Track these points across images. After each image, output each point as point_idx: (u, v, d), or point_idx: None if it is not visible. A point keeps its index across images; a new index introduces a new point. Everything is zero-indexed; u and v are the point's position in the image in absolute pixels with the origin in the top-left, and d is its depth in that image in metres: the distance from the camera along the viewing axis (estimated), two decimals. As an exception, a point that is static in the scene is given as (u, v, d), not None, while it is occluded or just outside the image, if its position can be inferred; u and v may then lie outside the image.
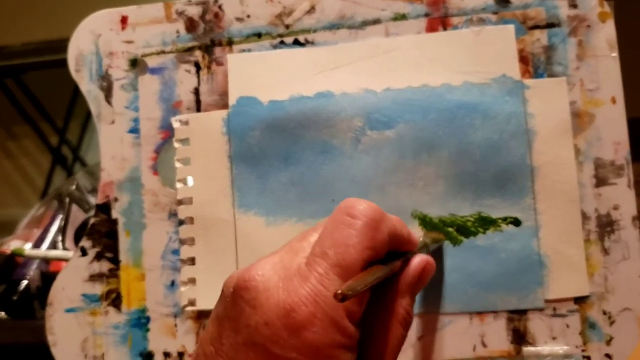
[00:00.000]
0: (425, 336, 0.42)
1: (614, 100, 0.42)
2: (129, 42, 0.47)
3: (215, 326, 0.28)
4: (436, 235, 0.41)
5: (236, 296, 0.28)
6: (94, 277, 0.47)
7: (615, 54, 0.42)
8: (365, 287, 0.26)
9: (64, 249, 0.69)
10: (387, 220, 0.30)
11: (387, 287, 0.31)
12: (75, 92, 1.62)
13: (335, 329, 0.27)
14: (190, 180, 0.45)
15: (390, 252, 0.31)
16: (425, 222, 0.42)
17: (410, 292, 0.31)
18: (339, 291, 0.24)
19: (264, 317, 0.26)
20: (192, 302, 0.45)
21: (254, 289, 0.27)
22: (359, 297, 0.28)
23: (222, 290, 0.29)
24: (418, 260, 0.32)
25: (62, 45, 0.49)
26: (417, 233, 0.41)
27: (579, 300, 0.41)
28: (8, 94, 1.64)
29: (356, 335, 0.28)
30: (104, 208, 0.47)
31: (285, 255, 0.29)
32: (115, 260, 0.46)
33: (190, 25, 0.47)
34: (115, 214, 0.47)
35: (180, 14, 0.47)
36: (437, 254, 0.42)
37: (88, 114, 1.68)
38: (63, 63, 0.48)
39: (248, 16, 0.46)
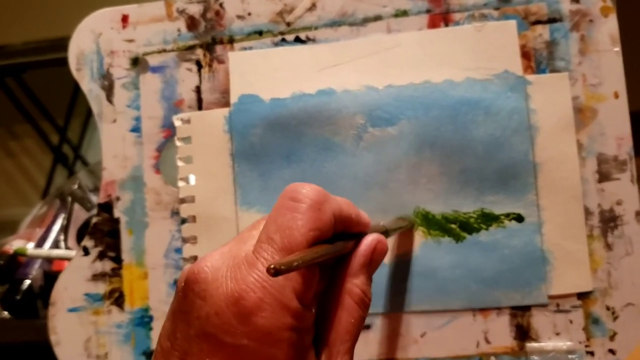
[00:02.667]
0: (428, 333, 0.42)
1: (616, 95, 0.41)
2: (130, 40, 0.47)
3: (169, 322, 0.29)
4: (401, 222, 0.41)
5: (187, 289, 0.28)
6: (97, 277, 0.47)
7: (617, 49, 0.42)
8: (302, 262, 0.26)
9: (67, 248, 0.69)
10: (331, 201, 0.30)
11: (340, 268, 0.31)
12: (76, 91, 1.61)
13: (285, 312, 0.27)
14: (192, 179, 0.45)
15: (340, 233, 0.31)
16: (428, 219, 0.42)
17: (364, 272, 0.31)
18: (272, 265, 0.24)
19: (213, 308, 0.27)
20: (195, 301, 0.45)
21: (203, 281, 0.27)
22: (306, 278, 0.28)
23: (176, 286, 0.29)
24: (369, 239, 0.32)
25: (62, 44, 0.49)
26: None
27: (582, 296, 0.41)
28: (9, 93, 1.64)
29: (309, 317, 0.28)
30: (106, 207, 0.47)
31: (235, 245, 0.29)
32: (117, 259, 0.46)
33: (192, 23, 0.47)
34: (117, 213, 0.47)
35: (181, 12, 0.47)
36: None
37: (89, 113, 1.68)
38: (63, 62, 0.48)
39: (249, 14, 0.46)
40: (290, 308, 0.27)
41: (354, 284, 0.30)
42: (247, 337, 0.26)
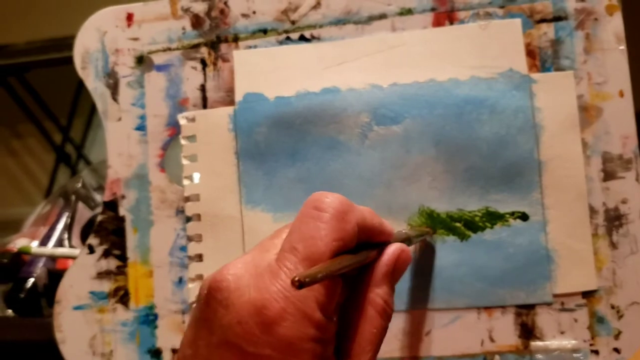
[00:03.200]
0: (433, 331, 0.42)
1: (621, 94, 0.41)
2: (135, 39, 0.47)
3: (192, 329, 0.29)
4: (422, 229, 0.41)
5: (209, 297, 0.28)
6: (102, 275, 0.47)
7: (623, 47, 0.41)
8: (326, 274, 0.26)
9: (70, 246, 0.69)
10: (355, 210, 0.30)
11: (363, 278, 0.31)
12: (79, 90, 1.62)
13: (308, 323, 0.27)
14: (197, 177, 0.45)
15: (363, 243, 0.30)
16: (433, 218, 0.42)
17: (386, 282, 0.31)
18: (296, 277, 0.24)
19: (236, 316, 0.27)
20: (200, 299, 0.45)
21: (226, 289, 0.27)
22: (329, 289, 0.27)
23: (198, 294, 0.29)
24: (393, 248, 0.31)
25: (65, 43, 0.49)
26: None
27: (587, 295, 0.41)
28: (12, 93, 1.64)
29: (331, 328, 0.28)
30: (111, 205, 0.47)
31: (257, 254, 0.29)
32: (122, 258, 0.46)
33: (196, 21, 0.47)
34: (122, 211, 0.47)
35: (186, 10, 0.47)
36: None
37: (91, 112, 1.68)
38: (66, 61, 0.48)
39: (254, 12, 0.46)
40: (312, 319, 0.27)
41: (377, 294, 0.30)
42: (269, 346, 0.26)
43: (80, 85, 0.47)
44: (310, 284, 0.25)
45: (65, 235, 0.70)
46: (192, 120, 0.46)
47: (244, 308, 0.26)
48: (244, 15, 0.46)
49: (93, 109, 0.47)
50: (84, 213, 0.72)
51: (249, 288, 0.27)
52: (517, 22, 0.43)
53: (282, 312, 0.26)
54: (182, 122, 0.46)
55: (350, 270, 0.30)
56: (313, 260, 0.27)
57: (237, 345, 0.26)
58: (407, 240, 0.34)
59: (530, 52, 0.42)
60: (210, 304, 0.28)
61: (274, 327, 0.26)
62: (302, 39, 0.45)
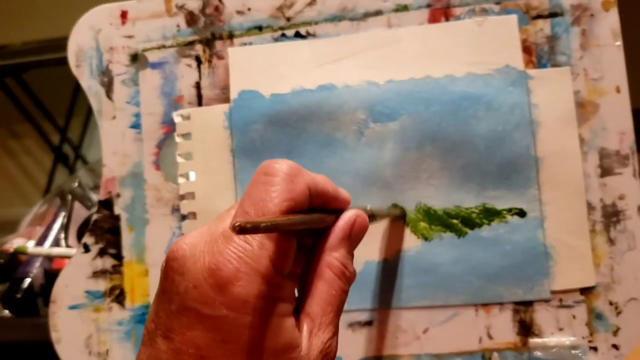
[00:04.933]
0: (430, 329, 0.42)
1: (618, 90, 0.41)
2: (129, 37, 0.47)
3: (154, 304, 0.29)
4: (392, 210, 0.41)
5: (167, 268, 0.28)
6: (97, 274, 0.46)
7: (619, 43, 0.41)
8: (270, 225, 0.26)
9: (67, 246, 0.69)
10: (304, 174, 0.30)
11: (320, 244, 0.31)
12: (76, 90, 1.61)
13: (261, 280, 0.27)
14: (192, 175, 0.45)
15: (319, 208, 0.31)
16: (430, 214, 0.42)
17: (344, 245, 0.31)
18: (237, 223, 0.24)
19: (192, 281, 0.27)
20: (196, 298, 0.44)
21: (182, 257, 0.28)
22: (282, 247, 0.28)
23: (160, 269, 0.30)
24: (349, 214, 0.32)
25: (62, 43, 0.48)
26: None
27: (585, 291, 0.41)
28: (9, 93, 1.64)
29: (286, 286, 0.28)
30: (107, 204, 0.47)
31: (213, 224, 0.30)
32: (118, 257, 0.46)
33: (191, 19, 0.46)
34: (117, 209, 0.46)
35: (181, 7, 0.47)
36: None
37: (89, 112, 1.68)
38: (64, 61, 0.48)
39: (249, 9, 0.46)
40: (266, 276, 0.27)
41: (334, 257, 0.31)
42: (225, 306, 0.27)
43: (77, 85, 0.47)
44: (252, 231, 0.25)
45: (62, 235, 0.70)
46: (187, 118, 0.46)
47: (199, 272, 0.27)
48: (239, 12, 0.46)
49: (91, 109, 0.46)
50: (80, 212, 0.72)
51: (204, 254, 0.27)
52: (513, 18, 0.42)
53: (236, 271, 0.27)
54: (177, 119, 0.46)
55: (306, 235, 0.30)
56: None
57: (193, 309, 0.27)
58: (370, 216, 0.34)
59: (527, 49, 0.42)
60: (168, 274, 0.28)
61: (228, 287, 0.27)
62: (298, 35, 0.45)
